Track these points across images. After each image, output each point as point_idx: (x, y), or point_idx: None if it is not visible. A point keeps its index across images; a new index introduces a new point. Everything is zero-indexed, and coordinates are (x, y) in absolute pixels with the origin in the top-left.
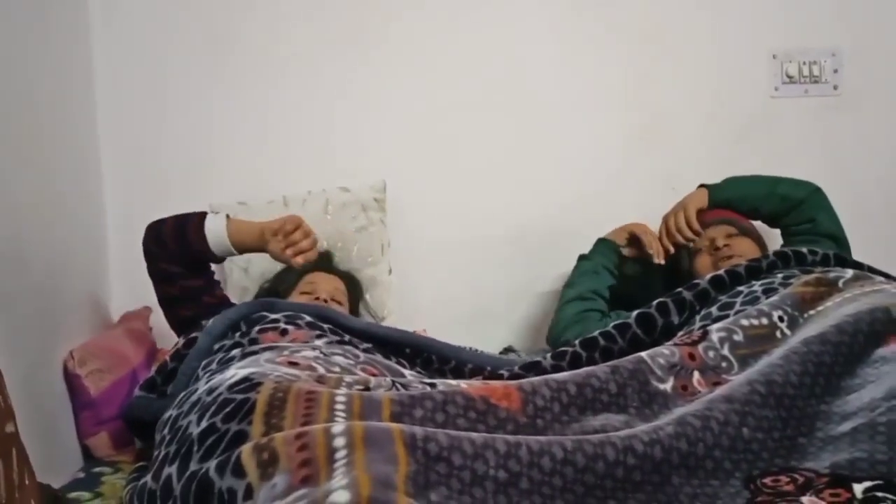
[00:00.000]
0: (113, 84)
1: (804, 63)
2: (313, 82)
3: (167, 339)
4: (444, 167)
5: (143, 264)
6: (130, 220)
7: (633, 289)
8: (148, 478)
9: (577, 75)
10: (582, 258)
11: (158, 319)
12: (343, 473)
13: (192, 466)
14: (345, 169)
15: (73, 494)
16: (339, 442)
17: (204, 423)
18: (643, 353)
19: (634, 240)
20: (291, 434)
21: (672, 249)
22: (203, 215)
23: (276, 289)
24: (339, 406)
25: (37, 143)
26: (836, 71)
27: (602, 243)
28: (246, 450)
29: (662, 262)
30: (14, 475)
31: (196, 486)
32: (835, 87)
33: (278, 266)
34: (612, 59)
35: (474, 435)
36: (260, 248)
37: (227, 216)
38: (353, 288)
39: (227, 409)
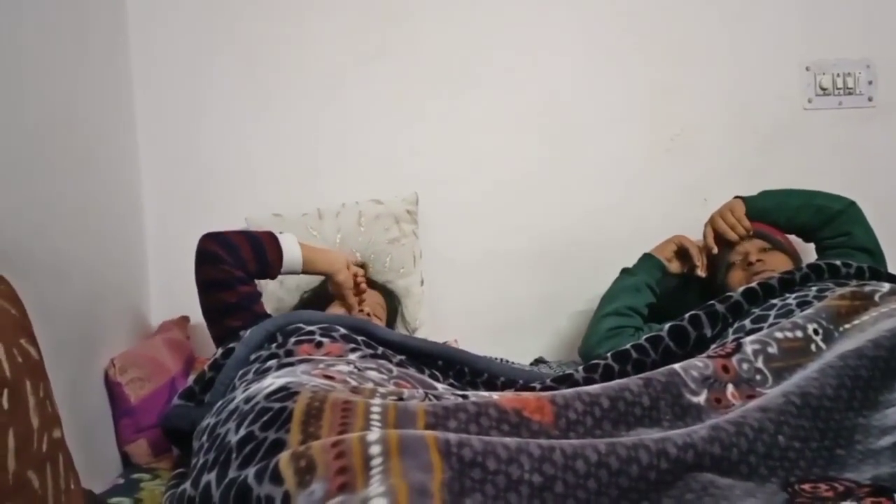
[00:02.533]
0: (151, 100)
1: (838, 75)
2: (347, 98)
3: (205, 347)
4: (474, 180)
5: (182, 275)
6: (169, 231)
7: (669, 303)
8: (187, 485)
9: (606, 87)
10: (625, 272)
11: (196, 328)
12: (380, 481)
13: (231, 473)
14: (378, 182)
15: (113, 500)
16: (375, 450)
17: (242, 431)
18: (676, 366)
19: (681, 252)
20: (328, 442)
21: (715, 248)
22: (272, 232)
23: (315, 300)
24: (374, 416)
25: (77, 158)
26: (870, 83)
27: (648, 259)
28: (284, 458)
29: (704, 274)
30: (61, 480)
31: (235, 493)
32: (869, 99)
33: (313, 279)
34: (640, 71)
35: (508, 440)
36: (326, 273)
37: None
38: (391, 301)
39: (265, 418)
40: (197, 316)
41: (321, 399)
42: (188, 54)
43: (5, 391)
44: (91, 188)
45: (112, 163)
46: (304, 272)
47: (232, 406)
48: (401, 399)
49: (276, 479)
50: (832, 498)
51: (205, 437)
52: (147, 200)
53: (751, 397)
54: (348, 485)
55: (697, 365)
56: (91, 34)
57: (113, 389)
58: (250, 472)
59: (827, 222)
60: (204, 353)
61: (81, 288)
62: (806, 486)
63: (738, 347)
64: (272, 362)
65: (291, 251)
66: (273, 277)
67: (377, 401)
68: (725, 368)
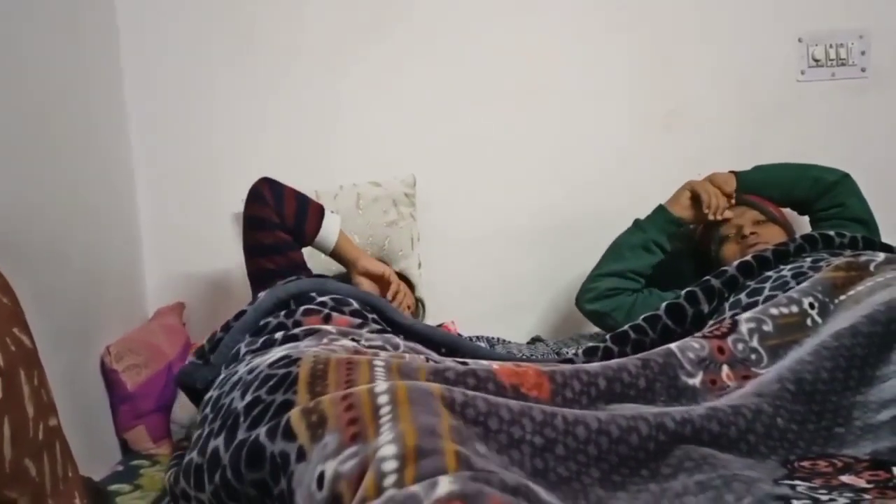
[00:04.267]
0: (144, 85)
1: (831, 46)
2: (343, 79)
3: (201, 334)
4: (471, 161)
5: (178, 261)
6: (164, 218)
7: (665, 273)
8: (193, 454)
9: (601, 64)
10: (637, 225)
11: (192, 315)
12: (389, 428)
13: (241, 435)
14: (375, 164)
15: (113, 487)
16: (383, 399)
17: (249, 397)
18: (673, 346)
19: (696, 198)
20: (338, 395)
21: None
22: (322, 207)
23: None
24: (378, 370)
25: (70, 147)
26: (863, 53)
27: (660, 213)
28: (295, 414)
29: (720, 217)
30: (58, 468)
31: (247, 452)
32: (862, 70)
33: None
34: (634, 46)
35: (512, 402)
36: (345, 268)
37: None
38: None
39: (271, 383)
40: (192, 302)
41: (324, 361)
42: (180, 40)
43: None
44: (85, 176)
45: (106, 150)
46: (331, 257)
47: (235, 378)
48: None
49: (289, 435)
50: (831, 472)
51: (209, 409)
52: (141, 187)
53: (746, 378)
54: (360, 434)
55: (693, 346)
56: (81, 19)
57: (109, 377)
58: (261, 431)
59: (821, 194)
60: (200, 339)
61: (76, 276)
62: (805, 463)
63: (734, 326)
64: (279, 334)
65: (329, 230)
66: (303, 245)
67: (380, 359)
68: (721, 350)
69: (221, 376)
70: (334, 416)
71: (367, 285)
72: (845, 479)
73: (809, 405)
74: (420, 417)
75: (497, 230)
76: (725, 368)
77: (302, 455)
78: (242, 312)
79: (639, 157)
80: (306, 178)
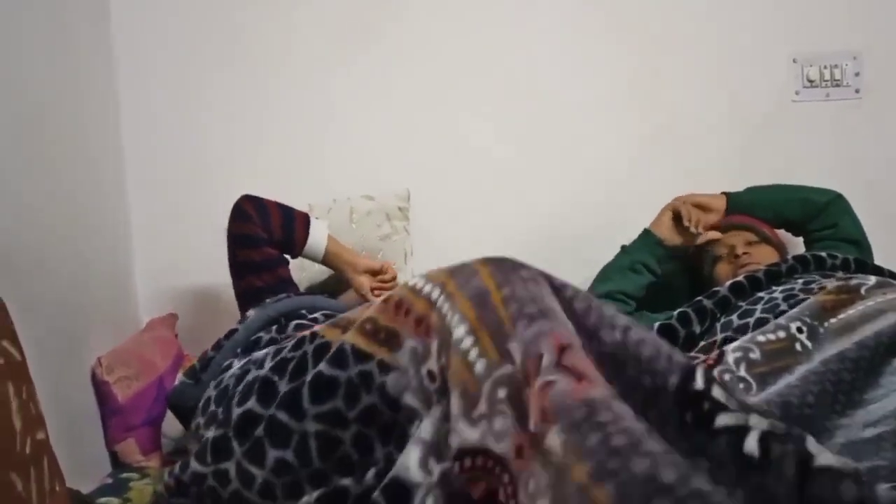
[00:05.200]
0: (136, 93)
1: (825, 67)
2: (336, 92)
3: (193, 345)
4: (465, 175)
5: (170, 272)
6: (155, 228)
7: (658, 293)
8: (210, 430)
9: (594, 80)
10: (623, 250)
11: (184, 326)
12: (449, 309)
13: (284, 387)
14: (369, 177)
15: (102, 500)
16: (428, 288)
17: (270, 363)
18: None
19: (678, 218)
20: (384, 307)
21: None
22: (307, 214)
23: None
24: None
25: (60, 154)
26: (857, 74)
27: (645, 236)
28: (355, 338)
29: (701, 229)
30: (45, 482)
31: (313, 388)
32: (856, 91)
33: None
34: (628, 63)
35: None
36: (342, 272)
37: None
38: None
39: (288, 347)
40: (184, 314)
41: (334, 321)
42: (174, 50)
43: None
44: (75, 184)
45: (96, 158)
46: (324, 263)
47: (234, 371)
48: None
49: (361, 356)
50: None
51: (212, 405)
52: (133, 196)
53: None
54: (430, 325)
55: None
56: (73, 21)
57: (100, 389)
58: (322, 367)
59: (814, 215)
60: (192, 352)
61: (67, 287)
62: None
63: (720, 358)
64: (270, 349)
65: (317, 236)
66: (294, 256)
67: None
68: None
69: (214, 381)
70: (399, 324)
71: (367, 283)
72: None
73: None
74: (467, 288)
75: (491, 244)
76: None
77: (385, 367)
78: (234, 331)
79: (631, 174)
80: (299, 192)
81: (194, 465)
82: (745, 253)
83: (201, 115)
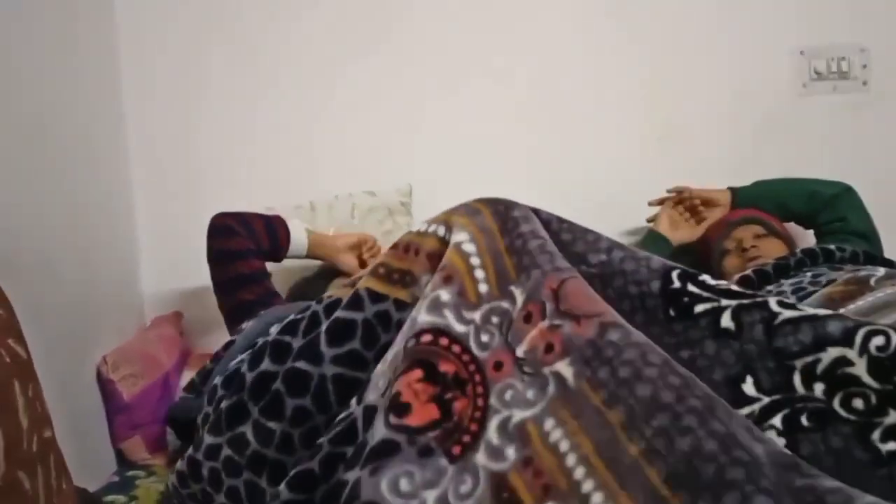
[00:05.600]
0: (142, 93)
1: (832, 59)
2: (339, 88)
3: (199, 343)
4: (468, 170)
5: (175, 270)
6: (161, 226)
7: None
8: (226, 397)
9: (598, 77)
10: None
11: (190, 323)
12: (460, 234)
13: (298, 342)
14: (371, 173)
15: (109, 498)
16: (432, 227)
17: (277, 326)
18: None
19: (674, 216)
20: (391, 253)
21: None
22: (280, 216)
23: (306, 292)
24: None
25: (66, 154)
26: (865, 66)
27: (649, 234)
28: (370, 282)
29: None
30: (52, 480)
31: (332, 332)
32: (864, 83)
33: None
34: (634, 59)
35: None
36: (328, 258)
37: (306, 227)
38: None
39: (294, 311)
40: (190, 312)
41: (338, 283)
42: (179, 45)
43: None
44: (81, 183)
45: (102, 158)
46: (309, 256)
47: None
48: None
49: (378, 297)
50: None
51: (218, 381)
52: (138, 194)
53: None
54: (442, 256)
55: None
56: (79, 32)
57: (106, 387)
58: (337, 315)
59: (822, 208)
60: (197, 348)
61: (72, 285)
62: None
63: None
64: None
65: (297, 233)
66: (279, 260)
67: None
68: None
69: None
70: (410, 263)
71: (354, 260)
72: None
73: None
74: (476, 221)
75: None
76: None
77: (402, 305)
78: (231, 342)
79: (637, 171)
80: (301, 189)
81: (208, 438)
82: (753, 246)
83: (206, 116)
